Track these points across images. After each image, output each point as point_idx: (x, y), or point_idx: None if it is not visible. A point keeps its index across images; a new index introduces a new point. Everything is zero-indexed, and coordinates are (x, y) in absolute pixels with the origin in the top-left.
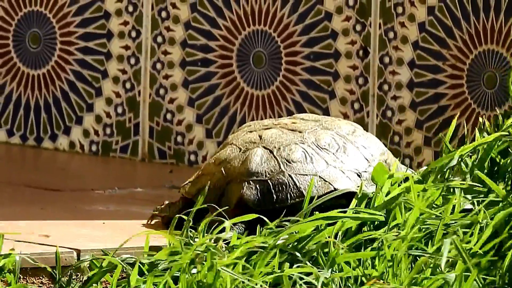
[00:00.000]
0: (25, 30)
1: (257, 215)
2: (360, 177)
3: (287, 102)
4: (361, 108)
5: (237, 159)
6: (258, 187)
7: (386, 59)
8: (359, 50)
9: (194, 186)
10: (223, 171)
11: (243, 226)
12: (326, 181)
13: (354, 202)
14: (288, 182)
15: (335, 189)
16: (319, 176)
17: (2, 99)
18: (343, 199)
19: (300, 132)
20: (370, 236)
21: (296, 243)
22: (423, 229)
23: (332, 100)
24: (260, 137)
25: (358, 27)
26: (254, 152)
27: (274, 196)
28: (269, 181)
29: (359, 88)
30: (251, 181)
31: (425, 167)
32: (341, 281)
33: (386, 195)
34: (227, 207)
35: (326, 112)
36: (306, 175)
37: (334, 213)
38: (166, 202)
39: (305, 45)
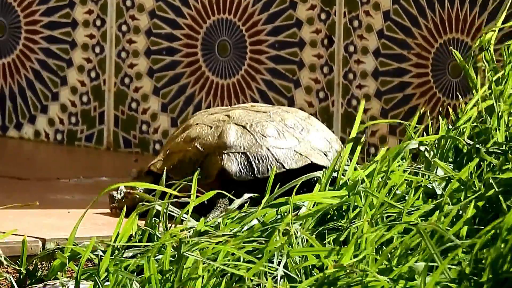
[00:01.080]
0: None
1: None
2: (326, 156)
3: (252, 91)
4: (326, 97)
5: (211, 135)
6: (237, 159)
7: (351, 48)
8: (324, 39)
9: (167, 162)
10: (198, 146)
11: (226, 202)
12: (302, 155)
13: (319, 186)
14: (267, 155)
15: (312, 162)
16: (294, 151)
17: None
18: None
19: (264, 112)
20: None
21: (260, 232)
22: (385, 216)
23: (297, 89)
24: (228, 116)
25: (323, 16)
26: (228, 127)
27: (255, 167)
28: (248, 153)
29: (324, 77)
30: (230, 153)
31: (382, 150)
32: (305, 270)
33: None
34: (206, 179)
35: (291, 101)
36: (282, 148)
37: (297, 198)
38: (122, 187)
39: (269, 34)
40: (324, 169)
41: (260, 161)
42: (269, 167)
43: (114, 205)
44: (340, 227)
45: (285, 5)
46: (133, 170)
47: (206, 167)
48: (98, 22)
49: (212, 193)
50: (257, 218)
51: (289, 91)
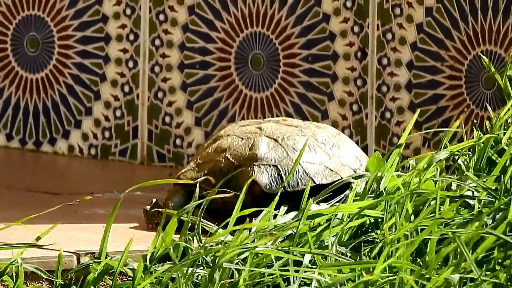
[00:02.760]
0: (23, 34)
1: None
2: (355, 173)
3: (285, 104)
4: (360, 109)
5: (242, 146)
6: (268, 171)
7: (385, 61)
8: (357, 51)
9: (197, 172)
10: (229, 157)
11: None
12: (332, 170)
13: (351, 195)
14: (298, 169)
15: (341, 178)
16: (325, 166)
17: (1, 103)
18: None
19: (296, 127)
20: (369, 237)
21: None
22: (419, 228)
23: (330, 102)
24: (260, 128)
25: (356, 29)
26: (260, 140)
27: (285, 180)
28: (278, 166)
29: (358, 89)
30: (261, 165)
31: (413, 161)
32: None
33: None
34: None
35: (324, 114)
36: (313, 163)
37: (332, 209)
38: (154, 200)
39: (303, 47)
40: (359, 178)
41: (291, 175)
42: (299, 181)
43: (148, 219)
44: (376, 239)
45: (318, 18)
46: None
47: (237, 178)
48: (131, 37)
49: (249, 211)
50: (292, 230)
51: (322, 104)
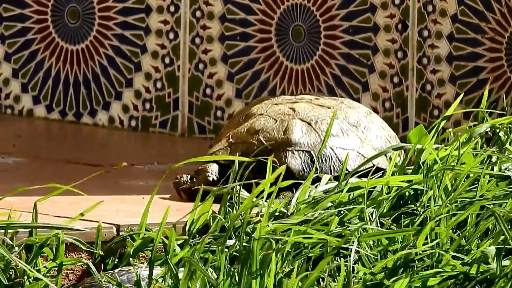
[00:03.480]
0: (63, 5)
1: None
2: (386, 156)
3: (326, 76)
4: (400, 82)
5: (276, 129)
6: (301, 157)
7: (425, 33)
8: (398, 23)
9: (231, 153)
10: (263, 140)
11: (291, 194)
12: (364, 157)
13: (391, 166)
14: (331, 155)
15: (374, 165)
16: (357, 152)
17: (41, 74)
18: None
19: (328, 108)
20: (409, 209)
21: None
22: (459, 200)
23: (371, 74)
24: (293, 109)
25: (397, 1)
26: (294, 123)
27: (318, 167)
28: (311, 152)
29: (398, 62)
30: (294, 151)
31: (451, 131)
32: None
33: (423, 163)
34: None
35: (365, 86)
36: (346, 149)
37: (372, 182)
38: (186, 175)
39: (344, 19)
40: (398, 150)
41: (323, 161)
42: (331, 167)
43: (183, 186)
44: (415, 211)
45: None
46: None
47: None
48: (172, 8)
49: (288, 182)
50: (331, 202)
51: (363, 76)
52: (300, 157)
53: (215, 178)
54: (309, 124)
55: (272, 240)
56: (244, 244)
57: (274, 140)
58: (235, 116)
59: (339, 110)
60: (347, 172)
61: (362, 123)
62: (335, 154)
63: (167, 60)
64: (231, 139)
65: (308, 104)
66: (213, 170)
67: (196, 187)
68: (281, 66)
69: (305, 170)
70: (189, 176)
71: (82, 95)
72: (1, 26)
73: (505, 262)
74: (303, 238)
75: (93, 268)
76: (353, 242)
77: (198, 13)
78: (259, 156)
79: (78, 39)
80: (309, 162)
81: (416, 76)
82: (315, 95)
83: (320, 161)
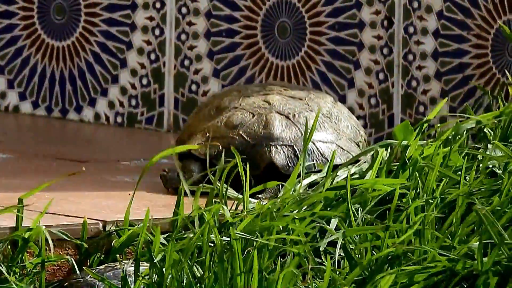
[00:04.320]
0: (49, 2)
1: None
2: (358, 146)
3: (311, 73)
4: (386, 78)
5: (255, 123)
6: (285, 152)
7: (411, 29)
8: (384, 20)
9: (211, 148)
10: (243, 135)
11: (278, 190)
12: (343, 149)
13: (377, 163)
14: (312, 149)
15: (352, 156)
16: (336, 145)
17: (27, 71)
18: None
19: (300, 99)
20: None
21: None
22: (445, 196)
23: (357, 70)
24: (268, 102)
25: None
26: (273, 117)
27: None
28: (294, 146)
29: (384, 58)
30: (277, 146)
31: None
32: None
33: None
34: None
35: (351, 82)
36: (325, 142)
37: (358, 182)
38: (166, 169)
39: (329, 15)
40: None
41: (306, 155)
42: (315, 161)
43: (167, 183)
44: (401, 208)
45: None
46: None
47: (253, 158)
48: (157, 5)
49: (274, 183)
50: (319, 200)
51: (349, 73)
52: (283, 152)
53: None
54: (287, 117)
55: (253, 238)
56: (227, 239)
57: (255, 135)
58: (202, 108)
59: (311, 102)
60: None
61: (333, 113)
62: (317, 148)
63: (152, 57)
64: (208, 134)
65: (281, 96)
66: (196, 168)
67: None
68: (266, 62)
69: (290, 164)
70: (176, 173)
71: (68, 91)
72: None
73: (486, 259)
74: (286, 235)
75: (75, 265)
76: (338, 237)
77: (184, 10)
78: (242, 151)
79: (64, 35)
80: (293, 156)
81: (401, 72)
82: (280, 84)
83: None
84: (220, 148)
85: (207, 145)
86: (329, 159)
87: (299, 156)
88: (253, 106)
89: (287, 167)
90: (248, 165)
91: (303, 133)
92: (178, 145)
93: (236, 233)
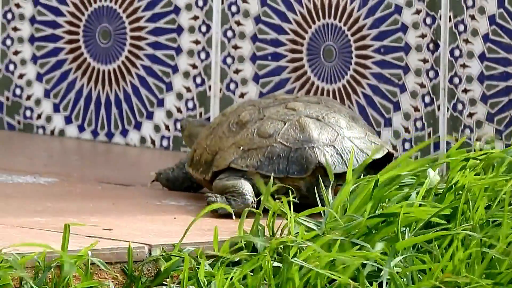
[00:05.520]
0: (95, 26)
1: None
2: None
3: (357, 96)
4: (432, 101)
5: (290, 129)
6: (328, 152)
7: (457, 52)
8: (430, 43)
9: (251, 158)
10: (282, 141)
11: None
12: (377, 143)
13: (424, 187)
14: (351, 146)
15: (389, 152)
16: (369, 140)
17: (73, 94)
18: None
19: (318, 103)
20: (441, 232)
21: (364, 235)
22: (491, 222)
23: (402, 93)
24: (293, 109)
25: (428, 20)
26: (306, 121)
27: (345, 159)
28: (335, 145)
29: (430, 81)
30: (319, 147)
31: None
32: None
33: (455, 184)
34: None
35: (396, 105)
36: (359, 138)
37: (406, 210)
38: (221, 196)
39: (375, 39)
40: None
41: (348, 153)
42: (356, 159)
43: (220, 212)
44: (448, 229)
45: (391, 10)
46: (151, 173)
47: (299, 162)
48: (203, 28)
49: (319, 209)
50: (367, 226)
51: (394, 96)
52: (327, 152)
53: (254, 200)
54: (318, 119)
55: (309, 266)
56: (276, 264)
57: (295, 140)
58: (214, 128)
59: (327, 104)
60: (372, 160)
61: (350, 113)
62: (355, 145)
63: (198, 80)
64: (241, 147)
65: (301, 103)
66: (248, 191)
67: (236, 211)
68: (312, 86)
69: (335, 164)
70: (224, 198)
71: (114, 115)
72: (33, 46)
73: None
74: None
75: None
76: (386, 263)
77: (229, 33)
78: (285, 157)
79: (110, 59)
80: (335, 155)
81: (447, 95)
82: (285, 94)
83: (345, 153)
84: (261, 157)
85: (244, 157)
86: (369, 154)
87: (341, 154)
88: (279, 114)
89: (334, 166)
90: (296, 170)
91: (338, 132)
92: (197, 169)
93: (292, 260)
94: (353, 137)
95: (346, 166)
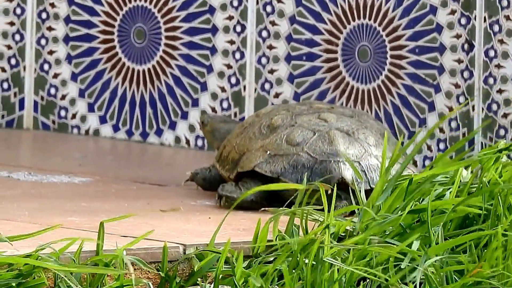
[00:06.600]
0: (130, 26)
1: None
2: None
3: (392, 96)
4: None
5: (319, 140)
6: (352, 167)
7: (491, 53)
8: (464, 43)
9: (276, 165)
10: (309, 152)
11: (346, 202)
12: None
13: (455, 185)
14: (377, 164)
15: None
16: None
17: (108, 94)
18: None
19: (351, 117)
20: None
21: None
22: None
23: (437, 93)
24: (325, 120)
25: (463, 21)
26: (336, 134)
27: (369, 177)
28: (360, 162)
29: (464, 81)
30: (345, 162)
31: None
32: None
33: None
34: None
35: (431, 106)
36: (387, 158)
37: (438, 203)
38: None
39: (410, 39)
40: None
41: (373, 171)
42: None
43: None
44: (481, 229)
45: (425, 10)
46: (187, 173)
47: (323, 175)
48: (238, 28)
49: (353, 207)
50: (400, 224)
51: (429, 96)
52: (351, 168)
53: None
54: (348, 134)
55: (340, 265)
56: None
57: (321, 152)
58: (246, 127)
59: (361, 118)
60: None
61: (380, 130)
62: (379, 164)
63: (233, 80)
64: (268, 151)
65: (334, 114)
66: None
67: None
68: (347, 86)
69: (359, 180)
70: (233, 185)
71: (149, 114)
72: (68, 46)
73: None
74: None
75: None
76: (418, 263)
77: (264, 33)
78: (309, 167)
79: (145, 59)
80: (360, 171)
81: (482, 96)
82: (321, 102)
83: (370, 171)
84: (286, 164)
85: (269, 162)
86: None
87: (365, 171)
88: (310, 123)
89: (356, 182)
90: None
91: (365, 149)
92: (224, 166)
93: (325, 259)
94: (379, 155)
95: (368, 184)
